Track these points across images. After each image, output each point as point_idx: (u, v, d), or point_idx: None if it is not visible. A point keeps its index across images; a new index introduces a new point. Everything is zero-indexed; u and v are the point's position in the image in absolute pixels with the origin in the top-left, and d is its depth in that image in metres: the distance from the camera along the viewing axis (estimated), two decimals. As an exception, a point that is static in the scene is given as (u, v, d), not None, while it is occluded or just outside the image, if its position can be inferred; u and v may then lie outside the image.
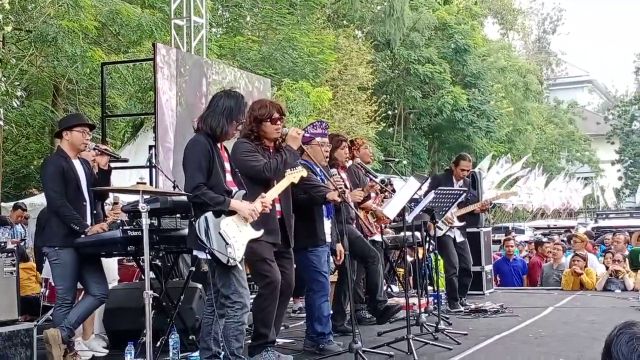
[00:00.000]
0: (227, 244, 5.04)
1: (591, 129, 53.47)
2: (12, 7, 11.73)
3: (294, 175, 5.66)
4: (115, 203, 7.73)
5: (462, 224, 9.28)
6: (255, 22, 22.28)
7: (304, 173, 5.75)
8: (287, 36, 20.79)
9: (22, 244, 10.35)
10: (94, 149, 6.32)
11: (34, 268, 9.14)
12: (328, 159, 6.81)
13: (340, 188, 6.17)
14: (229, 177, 5.39)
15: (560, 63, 59.87)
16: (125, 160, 7.10)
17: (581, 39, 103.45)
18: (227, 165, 5.43)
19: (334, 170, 6.56)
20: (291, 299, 9.38)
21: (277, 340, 6.53)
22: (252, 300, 5.91)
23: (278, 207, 5.92)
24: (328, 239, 6.63)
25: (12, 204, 14.26)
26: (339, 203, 6.24)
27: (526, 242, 17.70)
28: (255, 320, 5.87)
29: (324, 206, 6.55)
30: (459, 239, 9.34)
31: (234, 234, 5.11)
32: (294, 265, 6.46)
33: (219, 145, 5.35)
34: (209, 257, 5.09)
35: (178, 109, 10.13)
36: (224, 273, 5.14)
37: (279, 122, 5.89)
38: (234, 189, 5.32)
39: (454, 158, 9.79)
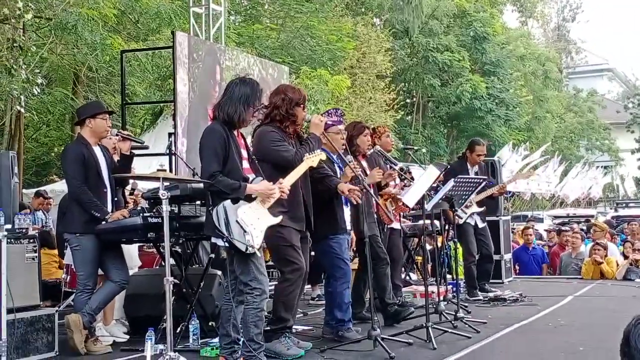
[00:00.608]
0: (245, 231, 5.05)
1: (611, 118, 53.09)
2: (32, -6, 11.81)
3: (312, 159, 5.62)
4: (133, 190, 7.76)
5: (482, 209, 9.23)
6: (274, 10, 22.29)
7: (323, 156, 5.73)
8: (305, 24, 20.79)
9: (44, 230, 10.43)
10: (117, 135, 6.36)
11: (55, 254, 9.22)
12: (350, 146, 6.76)
13: (358, 172, 6.16)
14: (245, 165, 5.37)
15: (579, 51, 59.52)
16: (146, 147, 7.13)
17: (601, 27, 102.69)
18: (244, 153, 5.41)
19: (349, 157, 6.55)
20: (309, 286, 9.41)
21: (296, 327, 6.55)
22: (271, 287, 5.94)
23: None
24: (348, 226, 6.63)
25: (33, 190, 14.38)
26: (360, 191, 6.21)
27: (546, 230, 17.60)
28: (277, 304, 5.89)
29: (343, 194, 6.53)
30: (480, 224, 9.30)
31: (252, 222, 5.11)
32: (312, 252, 6.49)
33: (235, 132, 5.36)
34: (226, 245, 5.11)
35: (191, 95, 10.14)
36: (242, 260, 5.16)
37: (305, 109, 5.95)
38: (251, 176, 5.32)
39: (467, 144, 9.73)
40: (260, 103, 5.50)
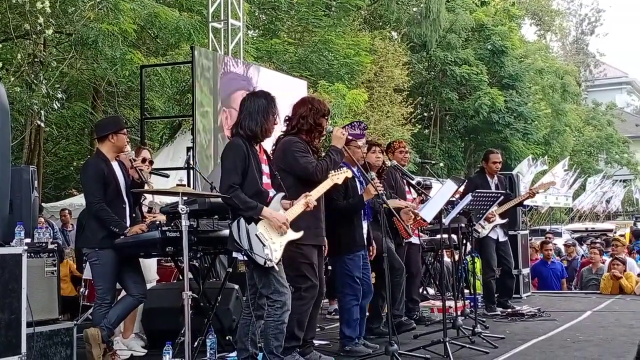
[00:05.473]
0: (264, 245, 5.06)
1: (630, 131, 52.80)
2: (53, 10, 11.93)
3: (338, 176, 5.63)
4: (150, 208, 7.78)
5: (505, 221, 9.16)
6: (292, 24, 22.38)
7: (349, 174, 5.74)
8: (323, 38, 20.87)
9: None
10: (131, 160, 6.34)
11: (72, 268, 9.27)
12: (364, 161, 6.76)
13: (380, 191, 6.16)
14: (266, 180, 5.39)
15: (598, 64, 59.17)
16: (167, 176, 7.17)
17: (620, 40, 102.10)
18: (266, 168, 5.42)
19: (372, 174, 6.54)
20: (326, 300, 9.40)
21: (314, 341, 6.53)
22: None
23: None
24: (365, 242, 6.61)
25: (52, 204, 14.50)
26: (379, 207, 6.19)
27: (565, 245, 17.46)
28: (292, 322, 5.88)
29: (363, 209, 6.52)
30: (502, 238, 9.21)
31: (271, 236, 5.14)
32: (329, 267, 6.48)
33: (257, 148, 5.38)
34: (245, 258, 5.12)
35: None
36: (263, 274, 5.17)
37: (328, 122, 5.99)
38: (272, 191, 5.34)
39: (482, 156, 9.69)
40: (277, 110, 5.48)
